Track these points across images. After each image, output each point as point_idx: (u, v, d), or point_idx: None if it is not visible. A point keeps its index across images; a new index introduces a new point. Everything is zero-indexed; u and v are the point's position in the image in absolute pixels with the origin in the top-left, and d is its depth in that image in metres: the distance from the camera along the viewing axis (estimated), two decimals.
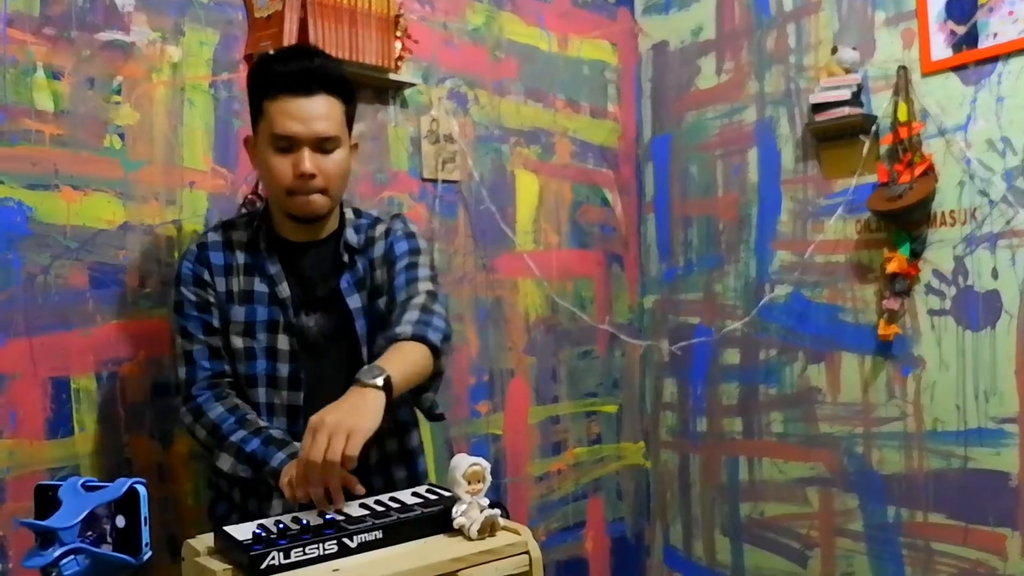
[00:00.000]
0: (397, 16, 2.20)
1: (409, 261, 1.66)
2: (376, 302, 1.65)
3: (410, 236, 1.70)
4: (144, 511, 0.94)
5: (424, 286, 1.62)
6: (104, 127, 1.82)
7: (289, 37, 1.97)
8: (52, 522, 0.89)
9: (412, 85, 2.32)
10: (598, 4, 2.88)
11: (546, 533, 2.66)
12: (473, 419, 2.48)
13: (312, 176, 1.53)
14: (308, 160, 1.52)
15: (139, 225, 1.87)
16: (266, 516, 1.51)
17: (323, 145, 1.54)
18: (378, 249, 1.68)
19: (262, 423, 1.54)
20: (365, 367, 1.40)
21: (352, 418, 1.30)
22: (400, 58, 2.22)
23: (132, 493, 0.93)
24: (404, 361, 1.44)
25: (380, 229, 1.70)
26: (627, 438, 2.93)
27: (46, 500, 0.94)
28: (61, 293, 1.76)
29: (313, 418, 1.31)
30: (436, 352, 1.50)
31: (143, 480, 0.96)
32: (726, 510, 2.74)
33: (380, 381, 1.35)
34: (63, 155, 1.76)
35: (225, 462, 1.51)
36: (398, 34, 2.21)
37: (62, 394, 1.76)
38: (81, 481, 0.94)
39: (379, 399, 1.34)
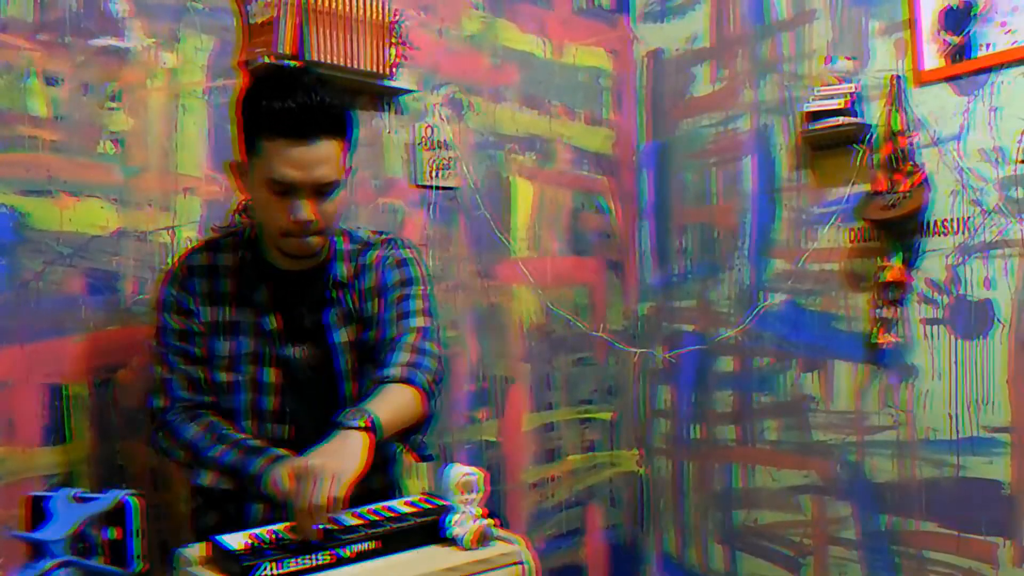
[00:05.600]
0: (393, 22, 2.20)
1: (400, 293, 1.61)
2: (367, 334, 1.60)
3: (402, 264, 1.64)
4: (135, 523, 0.93)
5: (415, 321, 1.57)
6: (99, 133, 1.82)
7: (283, 44, 1.97)
8: (42, 534, 0.88)
9: (408, 91, 2.32)
10: (594, 11, 2.89)
11: (541, 540, 2.66)
12: (468, 426, 2.48)
13: (310, 223, 1.47)
14: (306, 208, 1.46)
15: (133, 231, 1.86)
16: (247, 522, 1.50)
17: (322, 190, 1.47)
18: (369, 279, 1.62)
19: (239, 435, 1.51)
20: (348, 409, 1.38)
21: (336, 461, 1.28)
22: (396, 64, 2.22)
23: (123, 505, 0.93)
24: (391, 404, 1.42)
25: (371, 256, 1.64)
26: (622, 445, 2.93)
27: (37, 511, 0.93)
28: (55, 299, 1.75)
29: (297, 464, 1.29)
30: (425, 395, 1.48)
31: (134, 492, 0.96)
32: (720, 518, 2.74)
33: (362, 423, 1.34)
34: (57, 161, 1.76)
35: (205, 477, 1.48)
36: (393, 40, 2.21)
37: (55, 401, 1.75)
38: (72, 493, 0.94)
39: (362, 441, 1.33)
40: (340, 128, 1.50)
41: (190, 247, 1.66)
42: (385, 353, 1.53)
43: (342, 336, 1.60)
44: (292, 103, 1.42)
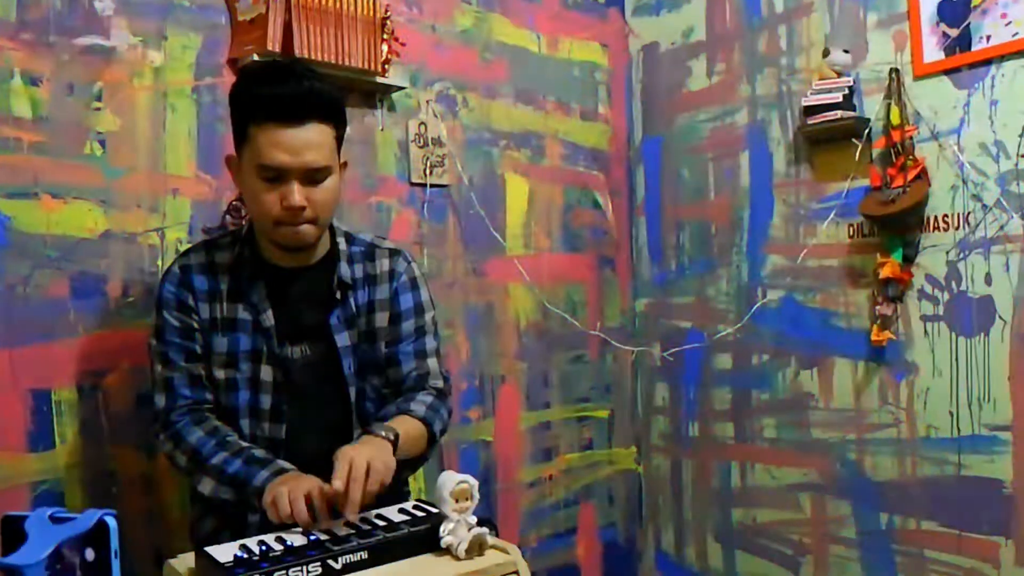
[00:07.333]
0: (384, 18, 2.16)
1: (416, 324, 1.66)
2: (374, 344, 1.62)
3: (415, 285, 1.68)
4: (114, 544, 0.90)
5: (433, 363, 1.67)
6: (85, 134, 1.79)
7: (273, 41, 1.94)
8: (17, 558, 0.85)
9: (400, 88, 2.28)
10: (588, 5, 2.86)
11: (537, 540, 2.64)
12: (463, 426, 2.46)
13: (301, 209, 1.46)
14: (297, 193, 1.44)
15: (121, 233, 1.83)
16: (246, 529, 1.48)
17: (313, 176, 1.46)
18: (381, 291, 1.64)
19: (243, 444, 1.49)
20: (377, 423, 1.46)
21: (376, 454, 1.35)
22: (387, 61, 2.19)
23: (102, 526, 0.90)
24: (409, 434, 1.50)
25: (382, 266, 1.65)
26: (619, 443, 2.91)
27: (13, 532, 0.90)
28: (42, 303, 1.72)
29: (344, 453, 1.33)
30: (432, 441, 1.58)
31: (113, 512, 0.93)
32: (718, 516, 2.72)
33: (391, 436, 1.43)
34: (42, 163, 1.73)
35: (206, 486, 1.46)
36: (385, 36, 2.17)
37: (43, 406, 1.72)
38: (49, 512, 0.91)
39: (392, 451, 1.41)
40: (330, 113, 1.49)
41: (187, 247, 1.65)
42: (408, 386, 1.62)
43: (346, 339, 1.59)
44: (281, 88, 1.43)
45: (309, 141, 1.44)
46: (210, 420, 1.53)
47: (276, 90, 1.43)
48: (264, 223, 1.49)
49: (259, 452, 1.48)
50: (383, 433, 1.42)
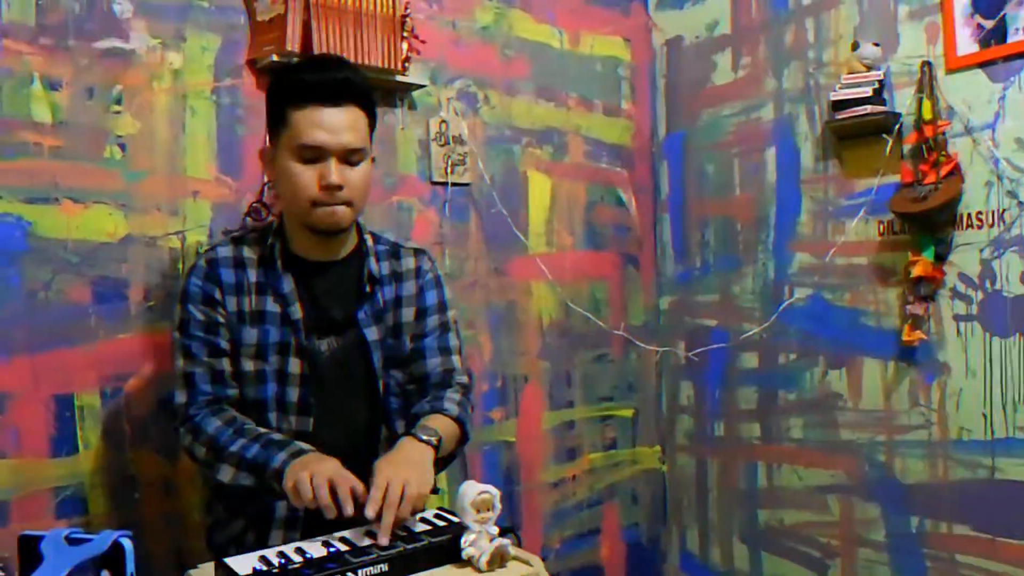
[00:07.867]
0: (403, 16, 2.14)
1: (440, 320, 1.70)
2: (399, 339, 1.66)
3: (439, 284, 1.73)
4: (130, 567, 0.89)
5: (457, 360, 1.69)
6: (104, 137, 1.78)
7: (292, 41, 1.92)
8: None
9: (420, 86, 2.26)
10: None
11: (561, 540, 2.62)
12: (486, 426, 2.44)
13: (339, 187, 1.50)
14: (335, 171, 1.50)
15: (142, 237, 1.83)
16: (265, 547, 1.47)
17: (349, 157, 1.52)
18: (407, 288, 1.69)
19: (261, 430, 1.50)
20: (420, 426, 1.48)
21: (419, 479, 1.37)
22: (407, 59, 2.17)
23: (117, 547, 0.89)
24: (449, 434, 1.53)
25: (407, 264, 1.70)
26: (643, 443, 2.88)
27: (29, 552, 0.89)
28: (63, 309, 1.73)
29: (381, 471, 1.34)
30: (465, 437, 1.62)
31: (128, 533, 0.92)
32: (744, 516, 2.69)
33: (435, 441, 1.46)
34: (62, 167, 1.73)
35: (226, 473, 1.46)
36: (405, 34, 2.15)
37: (66, 412, 1.73)
38: (65, 533, 0.90)
39: (432, 458, 1.45)
40: (366, 100, 1.56)
41: (213, 243, 1.69)
42: (435, 382, 1.65)
43: (374, 333, 1.62)
44: (321, 73, 1.52)
45: (347, 122, 1.51)
46: (228, 411, 1.54)
47: (317, 75, 1.51)
48: (301, 206, 1.52)
49: (276, 436, 1.49)
50: (425, 437, 1.45)
